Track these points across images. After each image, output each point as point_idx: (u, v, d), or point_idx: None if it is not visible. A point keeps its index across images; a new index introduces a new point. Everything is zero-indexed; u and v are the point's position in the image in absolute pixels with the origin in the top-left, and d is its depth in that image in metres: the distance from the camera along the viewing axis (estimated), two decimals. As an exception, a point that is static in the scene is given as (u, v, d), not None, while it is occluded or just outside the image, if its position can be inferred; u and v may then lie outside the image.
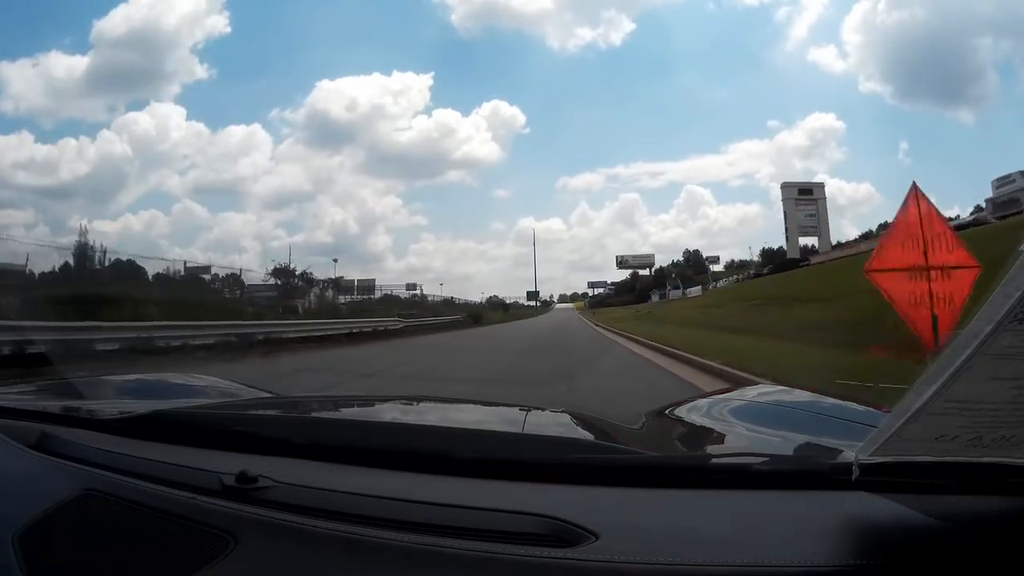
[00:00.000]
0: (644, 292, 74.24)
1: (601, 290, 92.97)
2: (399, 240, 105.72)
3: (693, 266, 78.30)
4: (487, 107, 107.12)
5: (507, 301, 75.07)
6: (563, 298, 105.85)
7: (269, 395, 1.43)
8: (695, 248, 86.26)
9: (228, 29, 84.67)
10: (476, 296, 68.98)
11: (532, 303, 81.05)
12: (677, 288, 62.86)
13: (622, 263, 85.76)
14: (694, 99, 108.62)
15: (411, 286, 43.92)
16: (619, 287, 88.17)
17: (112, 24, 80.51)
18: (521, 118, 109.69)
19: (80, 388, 1.35)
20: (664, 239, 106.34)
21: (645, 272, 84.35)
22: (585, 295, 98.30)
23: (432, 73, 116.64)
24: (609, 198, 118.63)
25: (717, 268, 76.38)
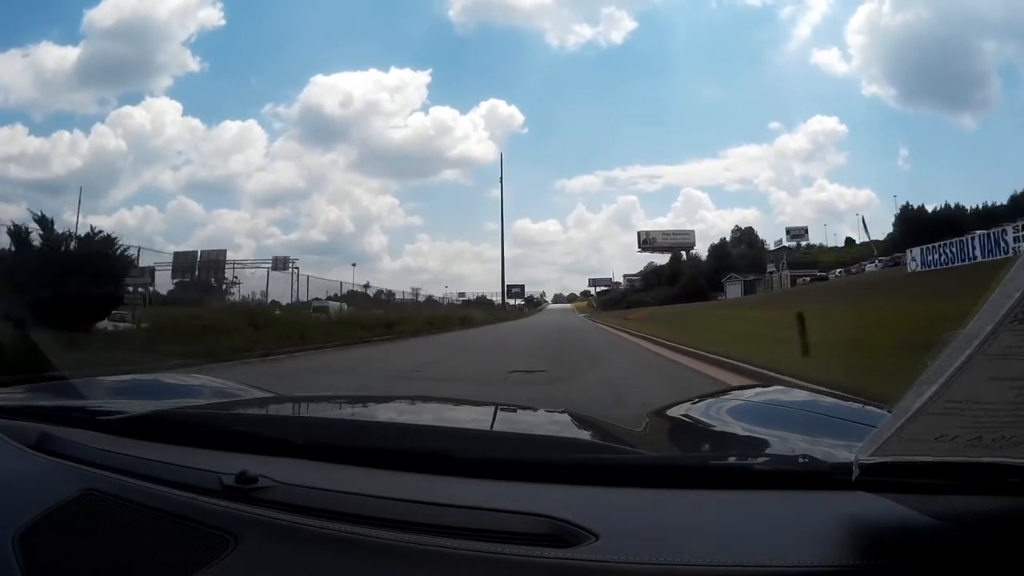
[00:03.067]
0: (697, 283, 51.11)
1: (603, 288, 78.04)
2: (394, 240, 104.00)
3: (748, 245, 59.34)
4: (485, 106, 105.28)
5: (495, 301, 59.39)
6: (558, 298, 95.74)
7: (269, 395, 1.43)
8: (747, 226, 65.45)
9: (222, 22, 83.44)
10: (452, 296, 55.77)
11: (516, 302, 64.28)
12: (818, 272, 37.17)
13: (648, 243, 64.31)
14: (694, 102, 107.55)
15: (280, 262, 27.40)
16: (649, 278, 65.94)
17: (103, 14, 79.04)
18: (519, 118, 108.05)
19: (80, 388, 1.35)
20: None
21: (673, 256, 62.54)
22: (586, 294, 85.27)
23: (430, 70, 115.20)
24: (606, 200, 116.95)
25: (780, 246, 59.16)
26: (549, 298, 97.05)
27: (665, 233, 65.69)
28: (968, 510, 0.53)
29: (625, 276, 74.39)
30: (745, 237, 62.91)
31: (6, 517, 0.63)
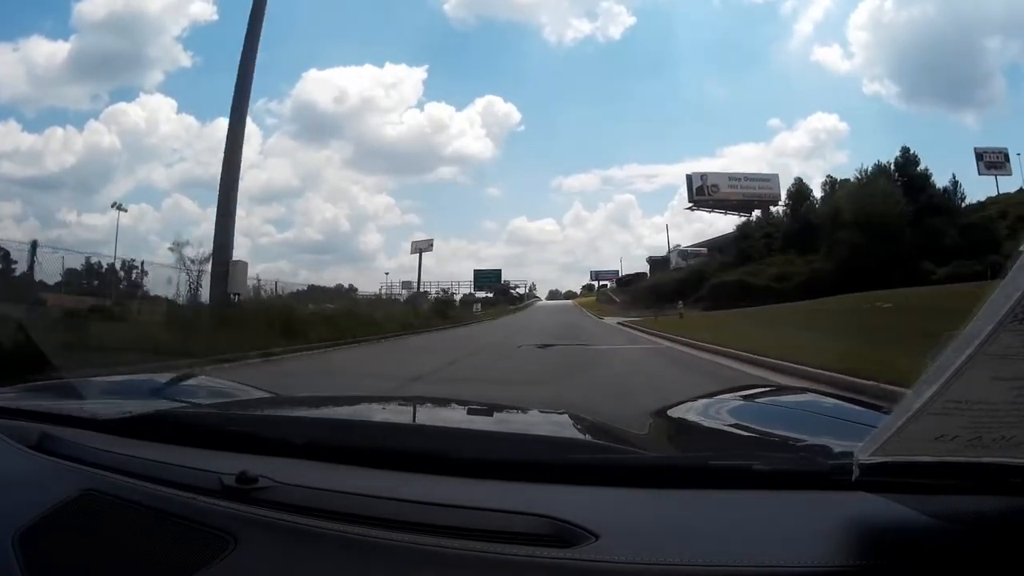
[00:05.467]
0: (891, 246, 25.42)
1: (607, 283, 62.17)
2: (390, 239, 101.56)
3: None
4: (481, 102, 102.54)
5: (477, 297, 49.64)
6: (554, 294, 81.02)
7: (269, 395, 1.43)
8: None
9: (215, 17, 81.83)
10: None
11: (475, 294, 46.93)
12: None
13: (706, 195, 39.26)
14: (692, 100, 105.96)
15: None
16: (744, 243, 36.68)
17: (93, 7, 77.07)
18: (516, 115, 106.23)
19: (80, 388, 1.35)
20: (660, 240, 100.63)
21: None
22: (590, 288, 70.73)
23: (426, 66, 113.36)
24: (603, 199, 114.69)
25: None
26: (543, 293, 77.26)
27: (733, 178, 38.43)
28: (968, 510, 0.53)
29: (675, 250, 43.79)
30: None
31: (6, 517, 0.63)
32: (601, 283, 65.16)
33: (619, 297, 46.66)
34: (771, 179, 39.52)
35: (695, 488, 0.65)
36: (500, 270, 60.44)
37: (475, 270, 56.89)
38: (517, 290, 63.75)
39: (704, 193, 41.11)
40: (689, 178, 41.14)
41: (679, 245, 45.73)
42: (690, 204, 42.51)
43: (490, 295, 52.76)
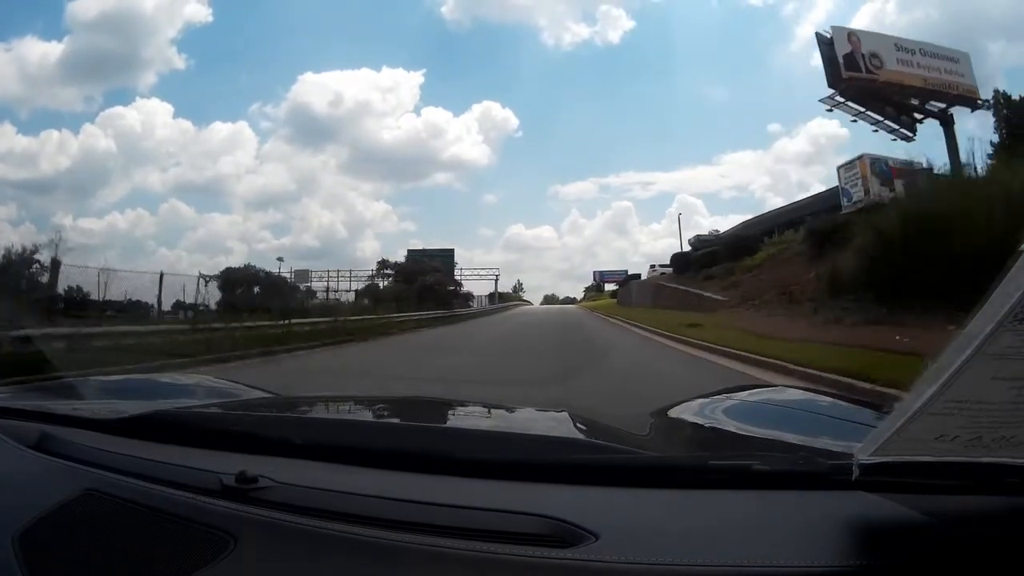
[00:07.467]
0: None
1: (617, 281, 49.09)
2: (388, 245, 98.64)
3: None
4: (478, 108, 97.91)
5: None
6: (550, 299, 74.06)
7: (269, 395, 1.43)
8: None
9: (210, 18, 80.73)
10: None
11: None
12: None
13: (860, 69, 18.78)
14: (690, 105, 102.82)
15: None
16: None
17: (85, 7, 75.01)
18: (514, 121, 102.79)
19: (80, 388, 1.35)
20: (656, 248, 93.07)
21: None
22: (598, 288, 61.45)
23: (423, 70, 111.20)
24: (601, 207, 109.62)
25: None
26: (536, 298, 69.86)
27: (905, 48, 19.93)
28: (968, 510, 0.53)
29: (861, 161, 19.35)
30: None
31: (6, 517, 0.63)
32: (604, 284, 52.60)
33: (704, 288, 21.27)
34: (960, 59, 21.15)
35: (695, 488, 0.65)
36: (453, 250, 42.32)
37: (409, 250, 38.21)
38: (458, 281, 38.61)
39: (856, 67, 20.21)
40: (827, 42, 20.67)
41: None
42: (830, 92, 21.06)
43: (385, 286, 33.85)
